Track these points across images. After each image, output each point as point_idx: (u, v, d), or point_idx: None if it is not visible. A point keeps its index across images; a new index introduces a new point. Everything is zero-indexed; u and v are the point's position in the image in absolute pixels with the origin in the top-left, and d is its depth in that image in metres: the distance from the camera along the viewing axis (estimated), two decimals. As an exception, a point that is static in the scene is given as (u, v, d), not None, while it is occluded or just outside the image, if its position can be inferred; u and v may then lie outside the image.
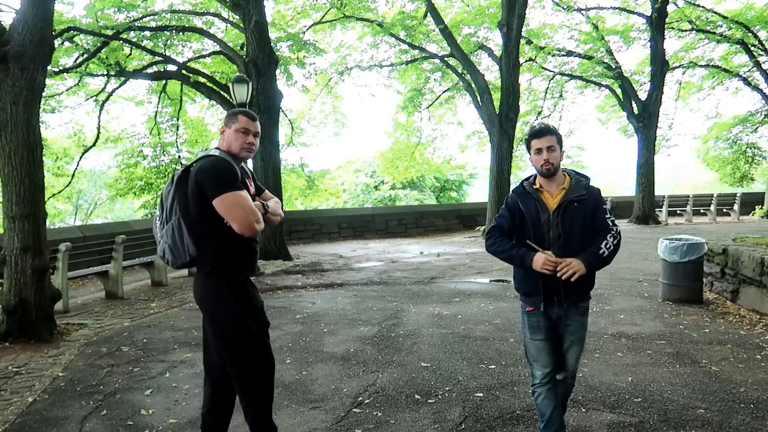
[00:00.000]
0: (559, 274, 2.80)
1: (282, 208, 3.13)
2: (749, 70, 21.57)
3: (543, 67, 20.83)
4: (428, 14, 16.31)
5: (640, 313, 6.33)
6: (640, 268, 9.41)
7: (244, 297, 2.82)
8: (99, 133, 15.79)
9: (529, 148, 3.00)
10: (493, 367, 4.60)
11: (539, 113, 22.13)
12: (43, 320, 5.99)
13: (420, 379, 4.39)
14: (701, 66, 22.07)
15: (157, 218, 2.87)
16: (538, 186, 3.01)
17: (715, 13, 20.10)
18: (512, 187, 3.34)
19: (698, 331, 5.54)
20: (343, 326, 6.15)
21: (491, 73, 19.27)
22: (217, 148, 2.87)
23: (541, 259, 2.83)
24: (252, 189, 2.94)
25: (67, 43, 13.20)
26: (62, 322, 6.64)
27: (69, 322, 6.75)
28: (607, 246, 2.89)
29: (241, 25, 12.24)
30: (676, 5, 19.77)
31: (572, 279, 2.80)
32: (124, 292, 8.53)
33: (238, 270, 2.82)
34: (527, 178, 3.11)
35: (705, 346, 5.07)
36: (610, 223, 2.94)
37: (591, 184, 3.04)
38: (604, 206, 2.99)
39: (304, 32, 16.62)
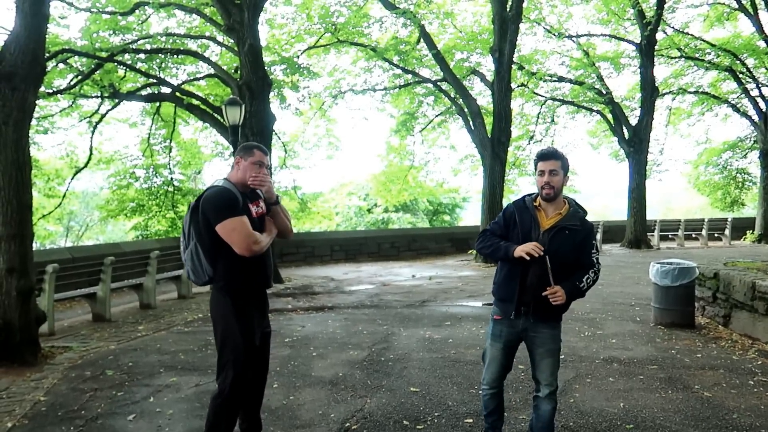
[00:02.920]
0: (551, 299, 2.97)
1: (290, 223, 3.52)
2: (737, 97, 21.89)
3: (535, 92, 21.04)
4: (421, 40, 16.49)
5: (632, 338, 6.28)
6: (632, 293, 9.39)
7: (242, 315, 3.12)
8: (91, 154, 15.76)
9: (535, 169, 3.17)
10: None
11: (531, 138, 22.29)
12: (27, 343, 5.87)
13: (409, 404, 4.32)
14: (690, 92, 22.38)
15: (182, 243, 3.24)
16: (537, 204, 3.14)
17: (704, 41, 20.47)
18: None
19: (690, 356, 5.50)
20: (332, 350, 6.07)
21: (483, 98, 19.47)
22: (225, 179, 3.19)
23: (527, 246, 2.97)
24: (259, 209, 3.27)
25: (61, 65, 13.25)
26: (47, 344, 6.52)
27: (54, 344, 6.63)
28: (588, 280, 3.07)
29: (236, 48, 12.34)
30: (665, 33, 20.13)
31: (554, 303, 2.99)
32: (112, 314, 8.41)
33: (245, 287, 3.16)
34: (530, 194, 3.25)
35: (697, 371, 5.02)
36: (595, 260, 3.11)
37: (587, 217, 3.21)
38: (594, 242, 3.17)
39: (298, 56, 16.77)
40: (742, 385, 4.62)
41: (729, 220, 20.42)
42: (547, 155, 3.10)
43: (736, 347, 5.82)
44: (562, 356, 5.51)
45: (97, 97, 14.55)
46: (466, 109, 16.37)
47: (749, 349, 5.70)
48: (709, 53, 20.58)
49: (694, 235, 20.15)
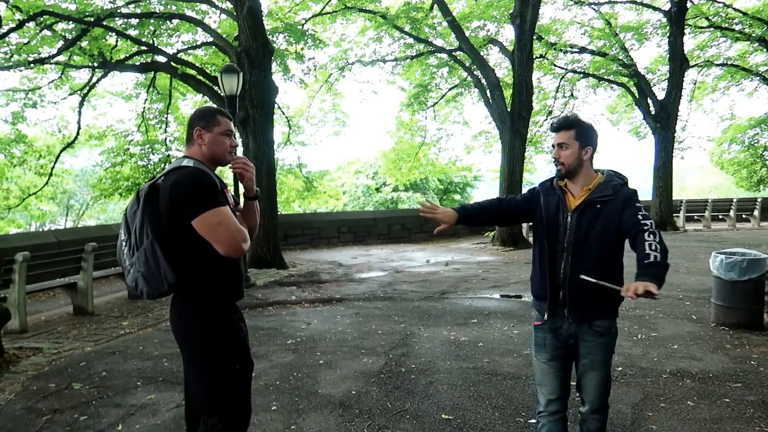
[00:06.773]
0: (627, 295, 2.23)
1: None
2: (768, 70, 20.66)
3: (554, 65, 19.85)
4: (435, 6, 15.34)
5: (696, 343, 5.33)
6: (675, 282, 8.41)
7: (229, 330, 2.39)
8: (79, 128, 14.75)
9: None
10: (533, 421, 3.60)
11: (549, 113, 21.16)
12: (-16, 347, 5.02)
13: (442, 440, 3.40)
14: (717, 65, 21.09)
15: (123, 243, 2.40)
16: (563, 184, 2.59)
17: (735, 9, 19.16)
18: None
19: (776, 369, 4.55)
20: (342, 355, 5.16)
21: (500, 70, 18.33)
22: (188, 157, 2.43)
23: None
24: (230, 200, 2.49)
25: (47, 32, 12.24)
26: (15, 345, 5.71)
27: (23, 345, 5.80)
28: (653, 248, 2.27)
29: (234, 12, 11.28)
30: (692, 2, 18.82)
31: (639, 294, 2.17)
32: (96, 306, 7.56)
33: (223, 296, 2.41)
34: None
35: (794, 391, 4.07)
36: (640, 217, 2.37)
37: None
38: (638, 204, 2.45)
39: (302, 25, 15.65)
40: None
41: (758, 200, 19.31)
42: (555, 127, 2.56)
43: (827, 357, 4.87)
44: (620, 368, 4.59)
45: (87, 67, 13.52)
46: (483, 81, 15.27)
47: None
48: (738, 23, 19.26)
49: (720, 216, 19.09)
